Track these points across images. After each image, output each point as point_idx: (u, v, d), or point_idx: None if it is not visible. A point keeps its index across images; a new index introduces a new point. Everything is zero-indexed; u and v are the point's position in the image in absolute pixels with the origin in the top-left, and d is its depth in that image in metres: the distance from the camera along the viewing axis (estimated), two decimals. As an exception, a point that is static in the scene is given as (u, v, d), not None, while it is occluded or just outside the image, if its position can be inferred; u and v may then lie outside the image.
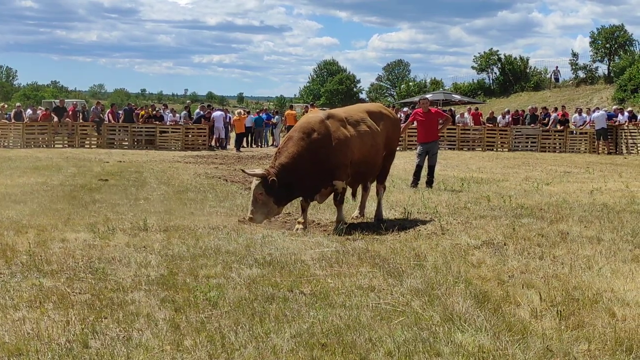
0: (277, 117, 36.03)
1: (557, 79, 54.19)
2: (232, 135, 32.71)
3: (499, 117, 33.16)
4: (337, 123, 9.57)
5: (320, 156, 9.33)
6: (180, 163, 22.32)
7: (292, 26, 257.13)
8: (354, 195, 10.83)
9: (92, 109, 32.27)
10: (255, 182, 9.35)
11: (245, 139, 33.09)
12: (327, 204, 11.30)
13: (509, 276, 6.71)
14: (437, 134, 15.32)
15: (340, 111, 10.29)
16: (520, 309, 5.62)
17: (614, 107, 35.19)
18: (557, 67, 55.26)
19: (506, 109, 35.55)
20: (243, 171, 10.31)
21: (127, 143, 30.41)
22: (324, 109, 28.73)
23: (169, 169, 19.94)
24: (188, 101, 47.71)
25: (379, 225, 9.74)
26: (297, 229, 9.41)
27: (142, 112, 32.02)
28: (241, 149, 30.53)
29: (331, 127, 9.47)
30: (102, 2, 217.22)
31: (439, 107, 36.21)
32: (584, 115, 32.53)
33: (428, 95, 40.50)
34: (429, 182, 14.74)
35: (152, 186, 14.76)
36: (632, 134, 29.92)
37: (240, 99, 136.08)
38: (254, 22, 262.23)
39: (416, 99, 31.91)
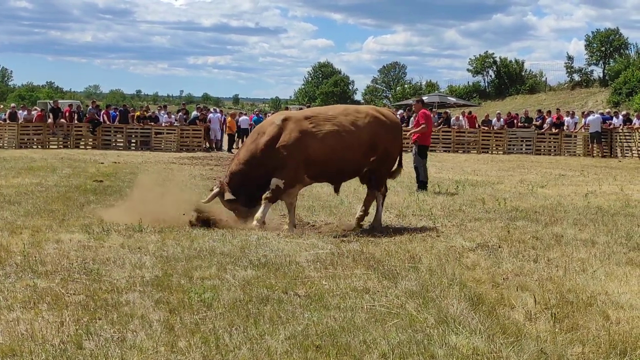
0: None
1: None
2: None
3: (494, 120, 33.21)
4: (292, 125, 9.48)
5: (266, 157, 9.41)
6: (175, 164, 22.31)
7: (287, 28, 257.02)
8: (336, 190, 10.35)
9: (88, 110, 32.23)
10: (221, 202, 9.60)
11: (240, 140, 33.05)
12: (322, 206, 11.32)
13: (503, 279, 6.72)
14: (415, 136, 15.41)
15: (306, 112, 10.33)
16: (515, 312, 5.63)
17: (608, 110, 35.25)
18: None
19: (497, 112, 35.64)
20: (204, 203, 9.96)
21: (121, 143, 30.40)
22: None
23: (164, 170, 19.91)
24: (183, 102, 47.60)
25: (373, 228, 9.75)
26: (285, 229, 9.49)
27: (138, 113, 32.01)
28: (232, 149, 30.60)
29: (285, 129, 9.45)
30: (97, 3, 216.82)
31: (435, 110, 36.34)
32: (576, 117, 32.60)
33: (424, 98, 40.57)
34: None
35: (147, 187, 14.71)
36: (627, 137, 29.97)
37: (236, 100, 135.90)
38: (248, 23, 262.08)
39: (411, 101, 31.92)
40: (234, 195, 9.48)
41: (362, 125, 9.73)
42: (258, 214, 9.48)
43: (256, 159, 9.45)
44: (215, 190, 9.59)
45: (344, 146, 9.56)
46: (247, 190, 9.47)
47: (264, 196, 9.52)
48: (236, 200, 9.51)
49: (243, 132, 32.64)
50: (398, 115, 33.14)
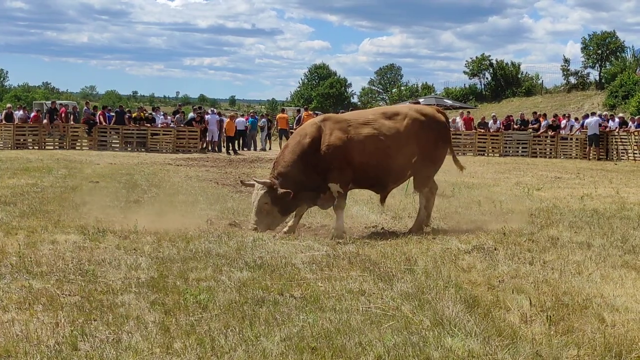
0: (263, 120, 35.61)
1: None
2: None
3: (490, 122, 33.27)
4: (332, 126, 9.45)
5: (312, 160, 9.30)
6: (171, 165, 22.28)
7: (283, 29, 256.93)
8: (382, 201, 10.25)
9: (83, 110, 32.20)
10: (259, 192, 9.34)
11: (236, 142, 33.00)
12: (318, 208, 11.30)
13: (499, 281, 6.72)
14: None
15: (344, 115, 10.39)
16: (510, 314, 5.63)
17: (604, 112, 35.28)
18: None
19: (493, 114, 35.68)
20: (249, 181, 9.95)
21: (117, 144, 30.37)
22: (317, 113, 28.60)
23: (160, 171, 19.91)
24: (180, 104, 47.49)
25: (369, 229, 9.72)
26: (283, 232, 9.42)
27: (134, 115, 31.97)
28: (230, 152, 30.53)
29: (325, 130, 9.40)
30: (93, 4, 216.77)
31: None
32: (572, 120, 32.65)
33: (420, 100, 40.52)
34: None
35: (142, 188, 14.73)
36: (623, 140, 30.02)
37: (232, 101, 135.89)
38: (245, 25, 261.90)
39: (407, 103, 31.97)
40: (279, 198, 9.26)
41: (400, 128, 9.65)
42: (337, 224, 9.46)
43: (303, 161, 9.33)
44: (269, 181, 9.33)
45: (384, 149, 9.50)
46: (295, 194, 9.26)
47: (334, 206, 9.54)
48: (275, 205, 9.31)
49: (239, 134, 32.62)
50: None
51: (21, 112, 31.51)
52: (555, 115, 34.28)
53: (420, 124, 9.81)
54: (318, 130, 9.43)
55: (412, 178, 10.11)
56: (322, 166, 9.32)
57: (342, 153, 9.35)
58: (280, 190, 9.16)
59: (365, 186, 10.10)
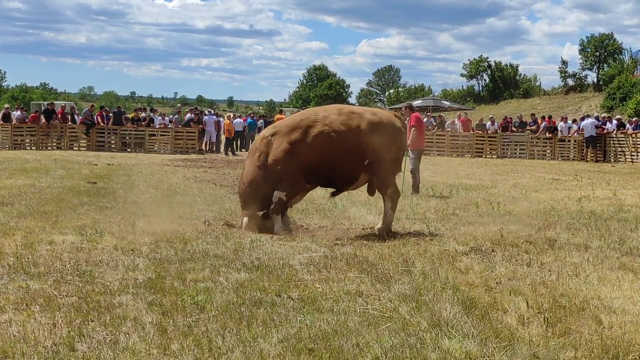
0: (260, 122, 35.55)
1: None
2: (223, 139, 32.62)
3: (488, 124, 33.31)
4: (280, 140, 9.46)
5: (264, 173, 9.43)
6: (169, 166, 22.28)
7: (281, 30, 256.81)
8: (332, 195, 10.18)
9: (84, 111, 32.20)
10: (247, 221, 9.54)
11: (234, 143, 33.02)
12: (316, 209, 11.32)
13: (496, 283, 6.72)
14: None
15: (296, 116, 10.37)
16: (507, 316, 5.63)
17: (603, 114, 35.34)
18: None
19: (490, 116, 35.73)
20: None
21: (115, 145, 30.36)
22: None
23: (157, 172, 19.90)
24: (179, 105, 47.51)
25: (380, 234, 9.71)
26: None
27: (132, 115, 31.97)
28: (228, 152, 30.55)
29: (274, 143, 9.46)
30: (90, 4, 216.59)
31: (429, 114, 36.32)
32: (569, 122, 32.71)
33: (418, 101, 40.52)
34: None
35: (140, 189, 14.72)
36: (620, 142, 30.06)
37: (230, 102, 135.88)
38: (242, 26, 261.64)
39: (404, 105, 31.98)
40: (257, 210, 9.40)
41: (353, 126, 9.50)
42: (275, 228, 9.48)
43: (257, 178, 9.46)
44: (245, 219, 9.52)
45: (333, 146, 9.40)
46: (265, 202, 9.45)
47: (271, 210, 9.51)
48: (266, 215, 9.47)
49: (237, 135, 32.65)
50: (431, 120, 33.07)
51: (19, 112, 31.52)
52: (550, 117, 34.32)
53: (374, 126, 9.60)
54: (267, 145, 9.53)
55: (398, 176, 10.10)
56: (274, 179, 9.42)
57: (290, 166, 9.39)
58: (252, 214, 9.43)
59: (318, 184, 10.09)
